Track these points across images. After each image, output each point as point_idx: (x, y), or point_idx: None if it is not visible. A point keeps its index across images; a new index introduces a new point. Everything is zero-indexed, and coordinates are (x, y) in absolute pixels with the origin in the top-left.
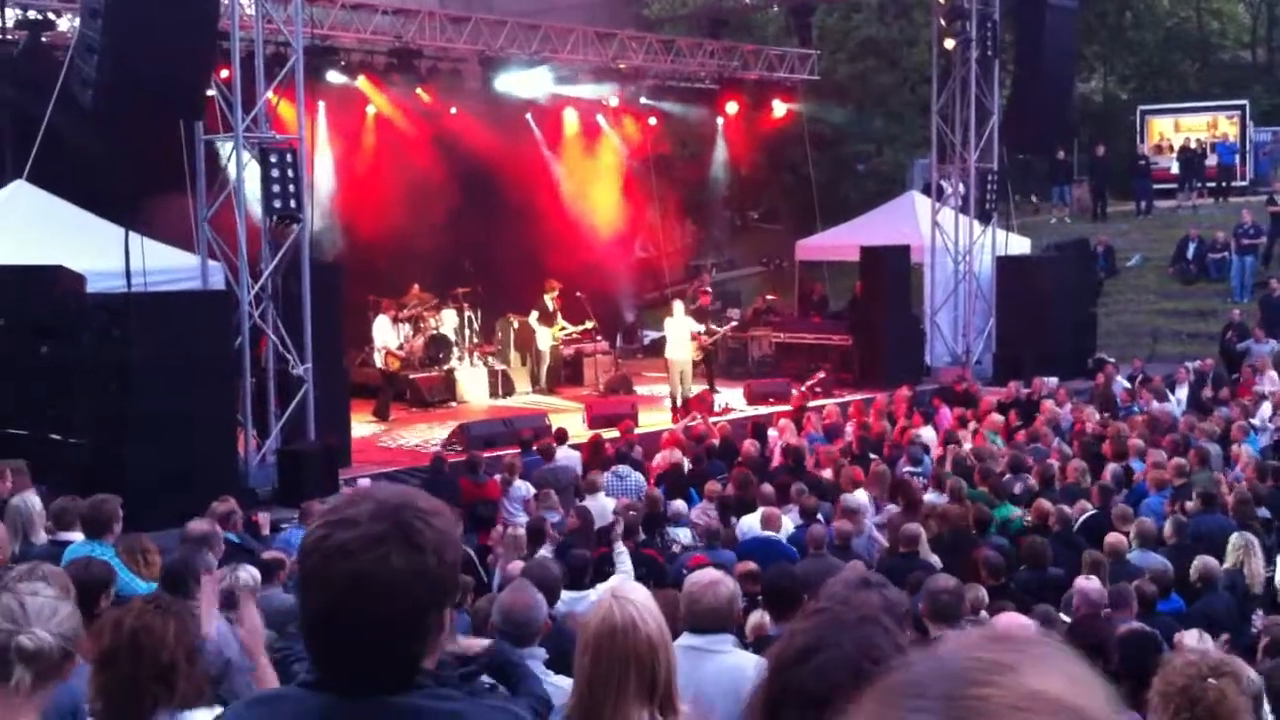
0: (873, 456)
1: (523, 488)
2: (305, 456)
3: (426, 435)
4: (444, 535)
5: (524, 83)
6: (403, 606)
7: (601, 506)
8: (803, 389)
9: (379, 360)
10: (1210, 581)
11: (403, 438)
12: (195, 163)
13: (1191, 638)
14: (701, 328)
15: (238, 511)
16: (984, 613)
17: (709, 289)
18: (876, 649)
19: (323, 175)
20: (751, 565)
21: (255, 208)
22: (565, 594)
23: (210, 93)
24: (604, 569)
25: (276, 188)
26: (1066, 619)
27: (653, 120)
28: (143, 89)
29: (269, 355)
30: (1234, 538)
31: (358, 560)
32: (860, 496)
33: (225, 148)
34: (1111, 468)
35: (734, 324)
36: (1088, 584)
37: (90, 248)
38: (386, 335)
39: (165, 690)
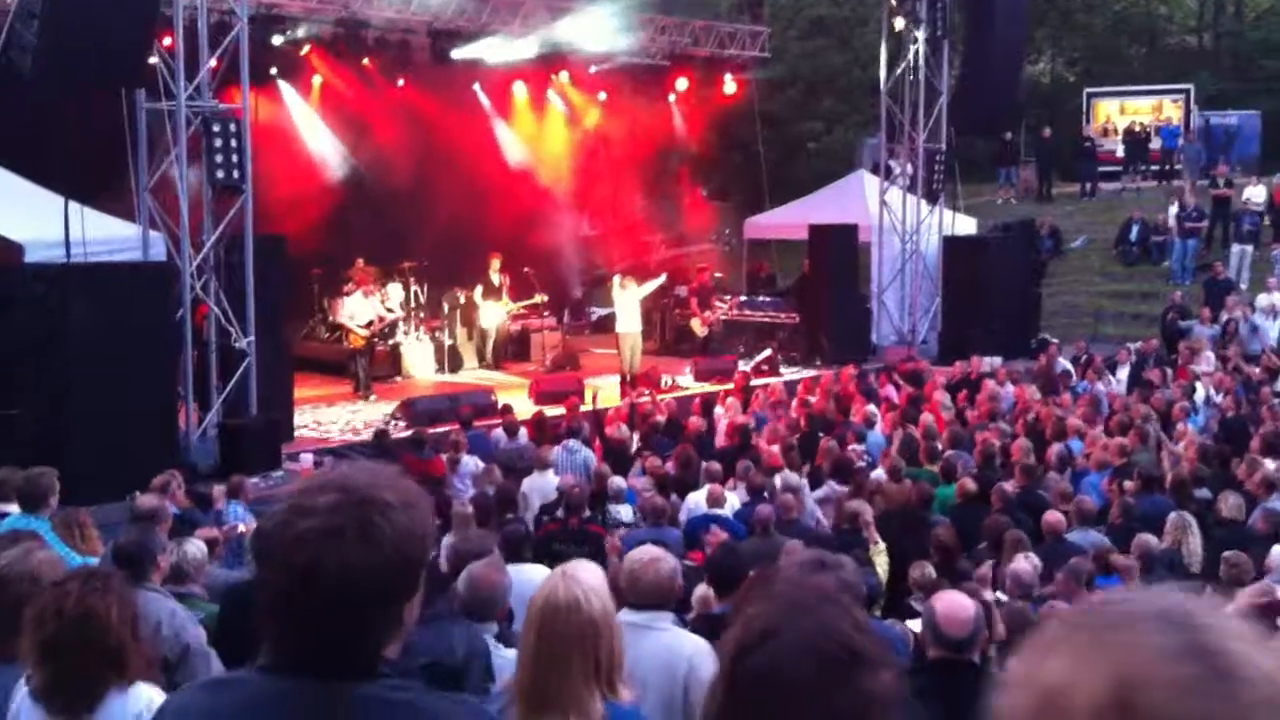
0: (820, 435)
1: (471, 464)
2: (246, 431)
3: (369, 411)
4: (406, 531)
5: (475, 51)
6: (354, 599)
7: (546, 483)
8: (749, 367)
9: (352, 341)
10: (1148, 561)
11: (345, 415)
12: (136, 131)
13: None
14: (647, 289)
15: (178, 482)
16: (919, 592)
17: (704, 266)
18: (836, 630)
19: (323, 139)
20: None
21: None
22: None
23: (152, 60)
24: (551, 546)
25: (220, 157)
26: (1004, 598)
27: (602, 95)
28: (83, 56)
29: (210, 328)
30: (1172, 517)
31: (310, 550)
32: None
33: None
34: (1056, 448)
35: (736, 298)
36: (1020, 565)
37: (29, 217)
38: (358, 310)
39: (116, 671)
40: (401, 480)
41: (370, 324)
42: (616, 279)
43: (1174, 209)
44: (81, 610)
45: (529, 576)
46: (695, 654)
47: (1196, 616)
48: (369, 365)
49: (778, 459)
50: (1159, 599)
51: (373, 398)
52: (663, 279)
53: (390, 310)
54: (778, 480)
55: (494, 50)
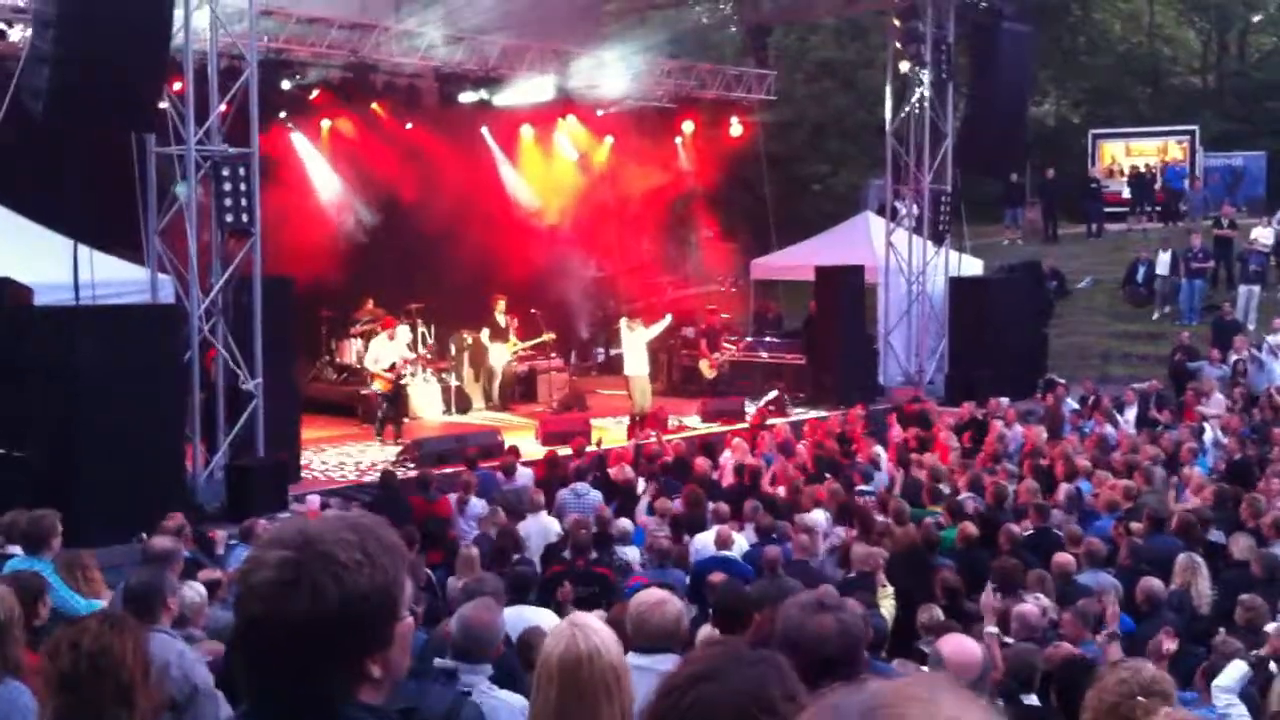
0: (827, 476)
1: (479, 505)
2: (254, 472)
3: (376, 453)
4: (361, 590)
5: (484, 95)
6: (300, 650)
7: (543, 525)
8: (757, 408)
9: (378, 385)
10: (1154, 604)
11: (355, 454)
12: (146, 175)
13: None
14: (654, 331)
15: (186, 525)
16: (929, 635)
17: (714, 307)
18: (763, 692)
19: (331, 182)
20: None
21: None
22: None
23: (163, 105)
24: (553, 587)
25: (229, 201)
26: (1010, 640)
27: (609, 138)
28: (94, 100)
29: (218, 369)
30: (1180, 558)
31: (260, 603)
32: (818, 516)
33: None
34: (1065, 488)
35: (744, 339)
36: (1026, 607)
37: (39, 259)
38: (383, 353)
39: (126, 710)
40: (374, 539)
41: (393, 367)
42: (623, 321)
43: (1165, 255)
44: (98, 646)
45: (529, 619)
46: None
47: (889, 703)
48: (394, 409)
49: (823, 494)
50: (878, 688)
51: (378, 441)
52: (668, 320)
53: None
54: (803, 519)
55: (502, 95)
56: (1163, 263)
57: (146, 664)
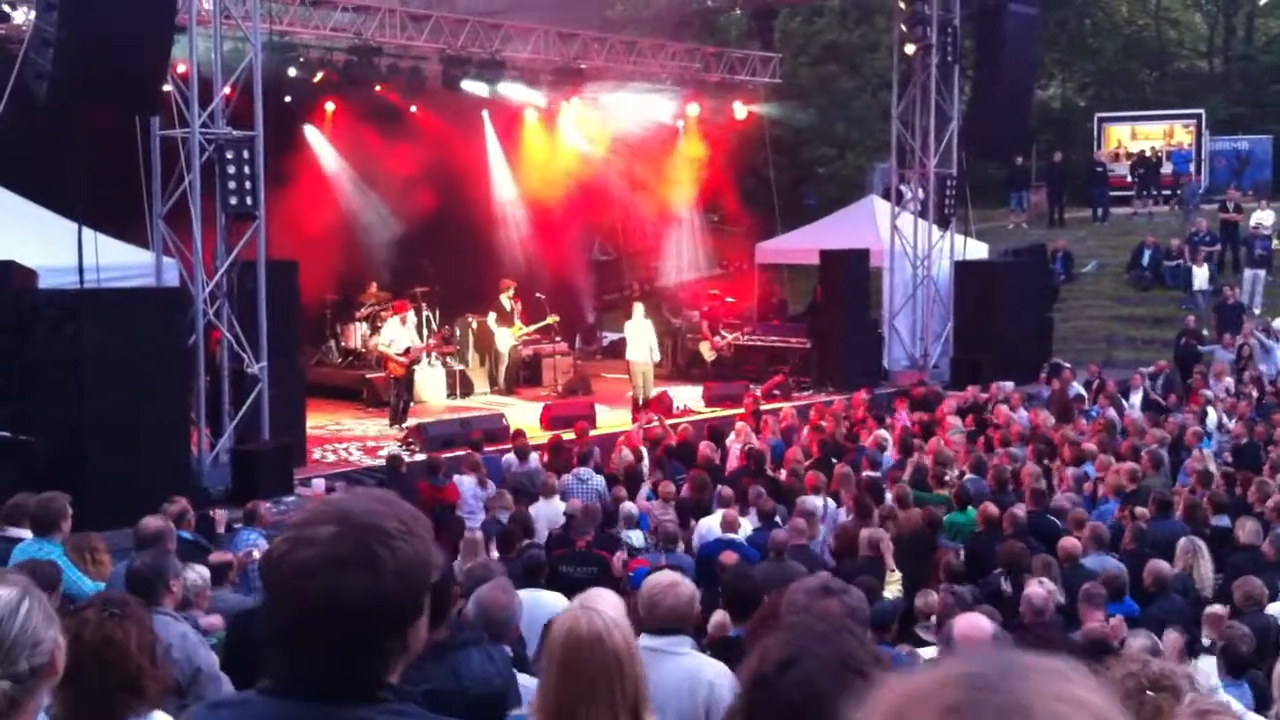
0: (833, 460)
1: (469, 484)
2: (259, 456)
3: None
4: (409, 559)
5: (485, 86)
6: (356, 628)
7: (555, 510)
8: (760, 392)
9: (392, 364)
10: (1162, 585)
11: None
12: (151, 158)
13: (1139, 641)
14: (651, 336)
15: (190, 510)
16: (934, 617)
17: (716, 291)
18: (853, 657)
19: (335, 165)
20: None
21: None
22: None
23: (167, 88)
24: (559, 569)
25: (233, 184)
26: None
27: (613, 121)
28: (98, 83)
29: (223, 353)
30: (1182, 542)
31: (313, 581)
32: (818, 500)
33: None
34: (1072, 471)
35: (747, 328)
36: (1033, 590)
37: (43, 243)
38: (397, 337)
39: (134, 697)
40: (403, 507)
41: (408, 351)
42: (638, 306)
43: (1203, 270)
44: (100, 637)
45: (544, 602)
46: (716, 678)
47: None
48: (408, 394)
49: (811, 479)
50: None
51: (394, 429)
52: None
53: (374, 335)
54: (804, 503)
55: (507, 86)
56: (1200, 277)
57: (154, 648)
